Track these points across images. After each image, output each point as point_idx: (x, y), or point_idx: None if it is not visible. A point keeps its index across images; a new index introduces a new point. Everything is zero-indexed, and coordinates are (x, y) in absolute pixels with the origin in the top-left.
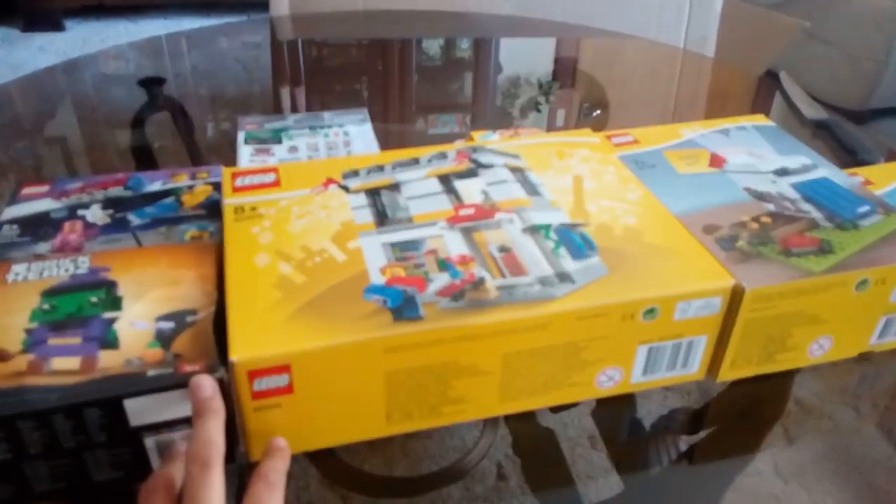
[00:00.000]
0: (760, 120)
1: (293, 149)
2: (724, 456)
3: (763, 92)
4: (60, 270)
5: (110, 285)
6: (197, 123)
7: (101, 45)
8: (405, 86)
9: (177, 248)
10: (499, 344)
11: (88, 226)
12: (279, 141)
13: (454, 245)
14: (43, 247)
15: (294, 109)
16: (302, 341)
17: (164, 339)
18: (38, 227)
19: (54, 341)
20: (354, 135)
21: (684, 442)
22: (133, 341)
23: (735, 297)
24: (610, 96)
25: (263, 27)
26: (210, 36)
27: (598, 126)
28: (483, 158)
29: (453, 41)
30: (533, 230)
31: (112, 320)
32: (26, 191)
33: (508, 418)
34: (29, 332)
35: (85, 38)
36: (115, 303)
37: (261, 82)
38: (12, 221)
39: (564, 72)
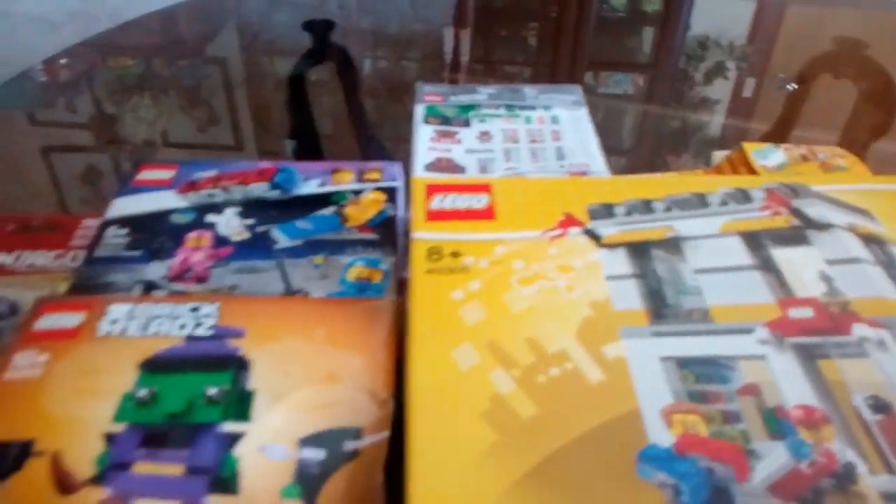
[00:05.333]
0: None
1: (484, 135)
2: None
3: None
4: (174, 324)
5: (240, 366)
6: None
7: None
8: (579, 36)
9: (338, 308)
10: None
11: (219, 240)
12: (467, 122)
13: (788, 380)
14: (156, 269)
15: (455, 53)
16: None
17: (307, 484)
18: (152, 235)
19: (143, 468)
20: (566, 123)
21: None
22: (261, 481)
23: None
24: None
25: None
26: None
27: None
28: (812, 211)
29: None
30: None
31: (234, 438)
32: (144, 175)
33: None
34: (110, 439)
35: None
36: (244, 403)
37: (425, 21)
38: (121, 222)
39: (763, 37)
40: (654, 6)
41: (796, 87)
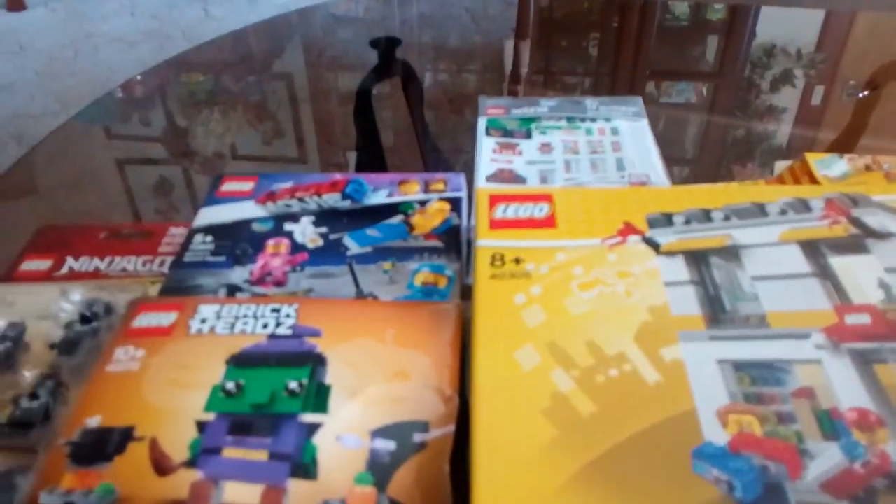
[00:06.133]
0: None
1: (545, 147)
2: None
3: None
4: (258, 323)
5: (318, 363)
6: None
7: None
8: (641, 46)
9: (406, 310)
10: None
11: (296, 247)
12: (528, 134)
13: (843, 384)
14: (239, 273)
15: (516, 64)
16: None
17: (379, 472)
18: (235, 242)
19: (231, 453)
20: (626, 134)
21: None
22: (336, 468)
23: None
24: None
25: None
26: None
27: None
28: (872, 220)
29: (706, 3)
30: None
31: (313, 427)
32: (227, 186)
33: None
34: (202, 426)
35: None
36: (321, 396)
37: (486, 33)
38: (207, 230)
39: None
40: (718, 14)
41: (868, 93)
